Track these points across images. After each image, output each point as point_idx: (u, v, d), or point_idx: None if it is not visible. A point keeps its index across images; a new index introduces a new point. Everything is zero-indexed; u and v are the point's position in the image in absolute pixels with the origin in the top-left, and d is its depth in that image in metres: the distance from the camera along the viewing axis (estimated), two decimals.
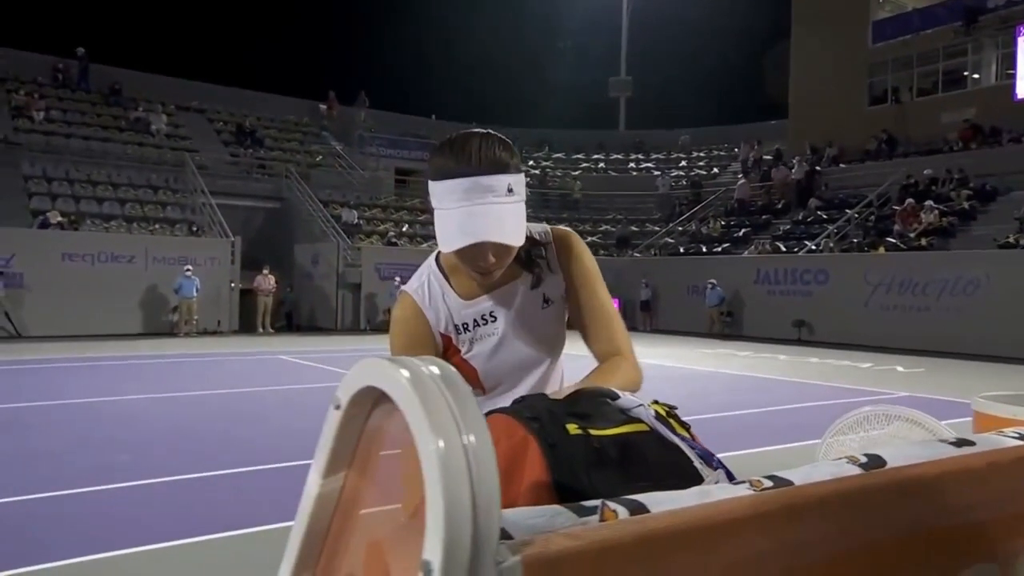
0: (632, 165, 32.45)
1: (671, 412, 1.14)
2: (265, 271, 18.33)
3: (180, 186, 20.95)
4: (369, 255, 19.23)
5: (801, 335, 17.24)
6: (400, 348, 1.49)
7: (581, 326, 1.54)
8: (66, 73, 24.66)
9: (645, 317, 20.64)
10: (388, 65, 49.42)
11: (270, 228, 21.80)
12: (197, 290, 16.45)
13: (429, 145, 25.57)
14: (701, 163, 31.74)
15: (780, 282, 18.09)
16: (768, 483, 0.87)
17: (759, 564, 0.80)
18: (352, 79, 33.79)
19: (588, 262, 1.54)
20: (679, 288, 20.17)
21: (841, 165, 23.63)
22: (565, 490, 0.94)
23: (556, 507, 0.76)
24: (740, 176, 26.31)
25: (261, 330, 18.06)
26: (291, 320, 19.76)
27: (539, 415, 1.04)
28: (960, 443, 1.07)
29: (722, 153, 31.76)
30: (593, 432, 1.02)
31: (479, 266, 1.38)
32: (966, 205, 18.00)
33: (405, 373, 0.66)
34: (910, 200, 18.41)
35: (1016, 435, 1.16)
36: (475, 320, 1.49)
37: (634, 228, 26.40)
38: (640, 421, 1.08)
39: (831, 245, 18.98)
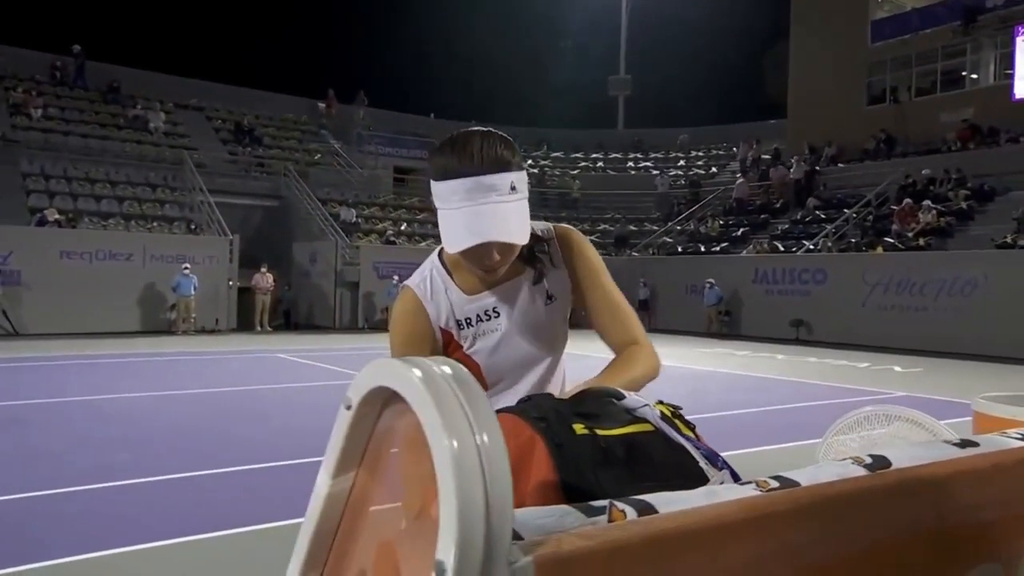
0: (631, 164, 32.44)
1: (676, 412, 1.15)
2: (263, 269, 18.31)
3: (178, 184, 20.92)
4: (367, 254, 19.21)
5: (799, 335, 17.25)
6: (400, 342, 1.49)
7: (593, 320, 1.55)
8: (64, 71, 24.62)
9: (643, 316, 20.51)
10: (387, 64, 49.40)
11: (268, 226, 21.78)
12: (195, 288, 16.43)
13: (428, 144, 25.57)
14: (700, 162, 31.75)
15: (778, 281, 18.11)
16: (774, 483, 0.87)
17: (766, 564, 0.80)
18: (351, 77, 33.75)
19: (592, 256, 1.55)
20: (677, 287, 20.18)
21: (839, 165, 23.65)
22: (572, 490, 0.95)
23: (565, 507, 0.77)
24: (739, 175, 26.32)
25: (259, 328, 18.04)
26: (289, 318, 19.74)
27: (546, 415, 1.05)
28: (964, 444, 1.08)
29: (721, 152, 31.77)
30: (600, 432, 1.03)
31: (484, 264, 1.38)
32: (964, 205, 18.02)
33: (418, 373, 0.66)
34: (908, 200, 18.43)
35: (1019, 436, 1.16)
36: (478, 315, 1.50)
37: (632, 227, 26.40)
38: (646, 421, 1.08)
39: (829, 245, 19.00)
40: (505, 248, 1.36)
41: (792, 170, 23.56)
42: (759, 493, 0.84)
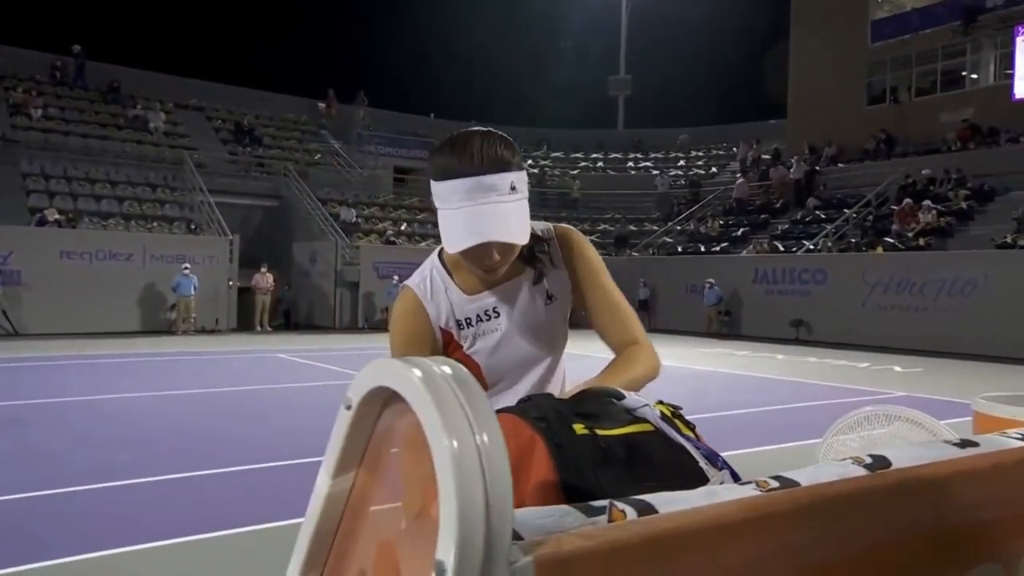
0: (631, 164, 32.44)
1: (676, 412, 1.15)
2: (263, 269, 18.31)
3: (178, 184, 20.92)
4: (367, 254, 19.20)
5: (799, 335, 17.25)
6: (400, 342, 1.49)
7: (593, 320, 1.55)
8: (64, 71, 24.62)
9: (643, 316, 20.52)
10: (387, 64, 49.32)
11: (268, 226, 21.78)
12: (195, 288, 16.43)
13: (428, 144, 25.56)
14: (700, 162, 31.75)
15: (778, 281, 18.11)
16: (774, 483, 0.87)
17: (766, 564, 0.80)
18: (351, 77, 33.75)
19: (592, 256, 1.55)
20: (677, 287, 20.18)
21: (839, 165, 23.65)
22: (572, 490, 0.95)
23: (565, 507, 0.77)
24: (738, 175, 26.32)
25: (259, 328, 18.04)
26: (289, 318, 19.74)
27: (546, 415, 1.05)
28: (964, 444, 1.08)
29: (721, 152, 31.77)
30: (600, 432, 1.03)
31: (484, 264, 1.38)
32: (964, 205, 18.02)
33: (418, 373, 0.66)
34: (908, 200, 18.43)
35: (1019, 436, 1.16)
36: (478, 315, 1.50)
37: (632, 227, 26.40)
38: (646, 421, 1.08)
39: (829, 245, 19.00)
40: (505, 248, 1.36)
41: (792, 170, 23.56)
42: (759, 493, 0.84)
